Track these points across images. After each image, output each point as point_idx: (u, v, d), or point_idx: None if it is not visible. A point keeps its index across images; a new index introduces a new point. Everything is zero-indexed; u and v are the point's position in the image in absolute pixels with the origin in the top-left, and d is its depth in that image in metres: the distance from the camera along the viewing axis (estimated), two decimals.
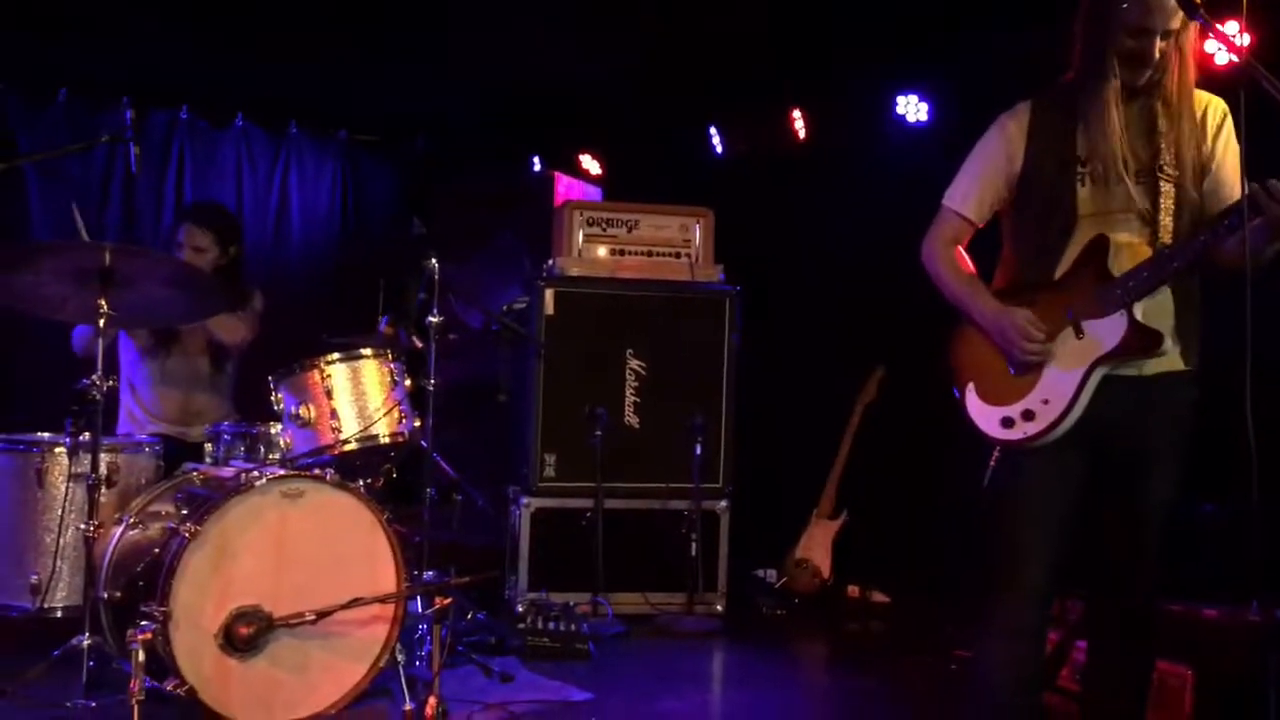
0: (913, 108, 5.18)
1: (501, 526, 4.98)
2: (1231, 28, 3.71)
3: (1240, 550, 3.53)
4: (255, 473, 3.33)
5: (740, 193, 5.68)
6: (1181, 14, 2.49)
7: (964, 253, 2.85)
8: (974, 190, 2.80)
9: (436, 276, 3.98)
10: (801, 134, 5.76)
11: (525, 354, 4.90)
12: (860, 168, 5.46)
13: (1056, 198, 2.64)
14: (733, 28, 5.47)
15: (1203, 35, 2.62)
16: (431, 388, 3.91)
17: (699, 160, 6.24)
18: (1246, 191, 2.40)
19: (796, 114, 5.76)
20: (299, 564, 3.24)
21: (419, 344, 3.90)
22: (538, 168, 6.91)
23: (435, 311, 3.97)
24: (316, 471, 3.41)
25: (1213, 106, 2.66)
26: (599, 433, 4.73)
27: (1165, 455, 2.67)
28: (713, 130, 6.21)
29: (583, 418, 4.77)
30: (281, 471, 3.37)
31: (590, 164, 6.77)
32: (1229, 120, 2.64)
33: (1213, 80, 2.72)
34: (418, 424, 3.84)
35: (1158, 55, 2.55)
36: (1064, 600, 3.75)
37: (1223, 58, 3.70)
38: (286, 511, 3.25)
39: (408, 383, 3.84)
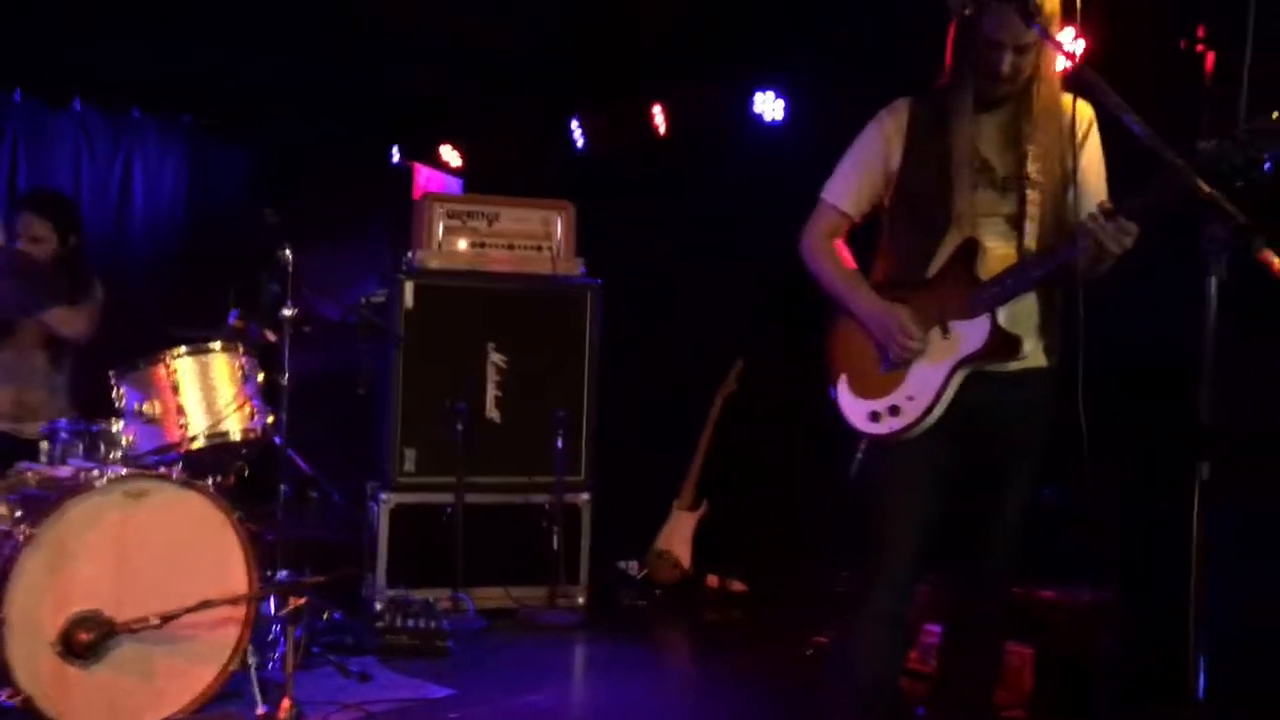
0: (770, 105, 5.27)
1: (360, 523, 4.88)
2: (1069, 33, 3.87)
3: (1077, 533, 3.70)
4: (95, 472, 3.18)
5: (602, 186, 5.69)
6: (1044, 27, 2.58)
7: (843, 246, 2.92)
8: (852, 185, 2.86)
9: (290, 267, 3.88)
10: (662, 129, 5.80)
11: (384, 347, 4.80)
12: (720, 162, 5.54)
13: (930, 199, 2.72)
14: (595, 21, 5.48)
15: (1042, 43, 2.72)
16: (285, 382, 3.80)
17: (560, 153, 6.23)
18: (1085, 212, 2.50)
19: (657, 109, 5.79)
20: (143, 566, 3.11)
21: (271, 337, 3.78)
22: (397, 158, 6.79)
23: (289, 304, 3.87)
24: (162, 470, 3.28)
25: (1080, 113, 2.71)
26: (460, 426, 4.67)
27: (1026, 448, 2.79)
28: (574, 123, 6.20)
29: (443, 412, 4.70)
30: (124, 470, 3.23)
31: (451, 155, 6.69)
32: (1094, 126, 2.74)
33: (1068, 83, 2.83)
34: (270, 420, 3.73)
35: (1008, 68, 2.63)
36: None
37: (1061, 63, 3.87)
38: (129, 512, 3.11)
39: (260, 377, 3.72)
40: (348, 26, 5.70)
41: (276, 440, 3.74)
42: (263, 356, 3.86)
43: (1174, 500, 2.34)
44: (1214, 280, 2.10)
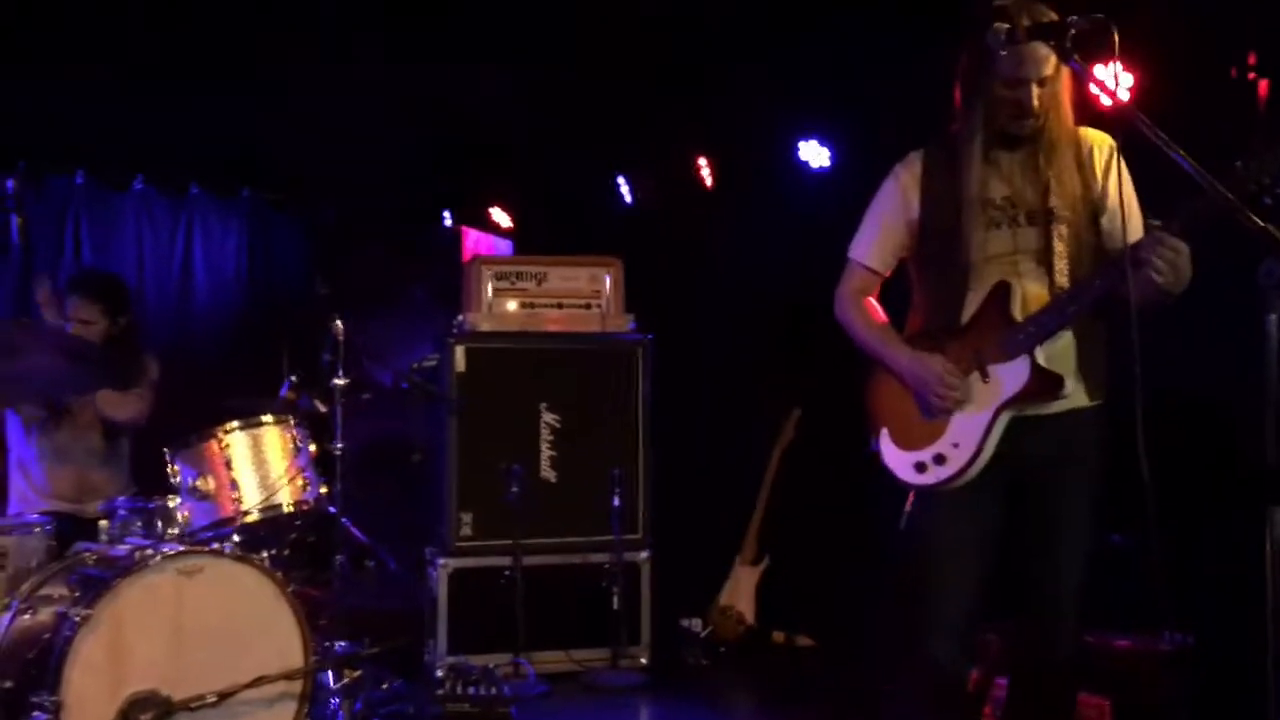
0: (814, 153, 5.25)
1: (419, 589, 4.87)
2: (1113, 69, 3.80)
3: (1151, 580, 3.57)
4: (149, 550, 3.21)
5: (650, 241, 5.70)
6: (1055, 60, 2.56)
7: (874, 302, 2.91)
8: (876, 241, 2.86)
9: (341, 337, 3.92)
10: (708, 180, 5.80)
11: (438, 412, 4.82)
12: (766, 212, 5.51)
13: (954, 244, 2.69)
14: (638, 75, 5.52)
15: (1085, 86, 2.68)
16: (339, 452, 3.82)
17: (608, 210, 6.26)
18: (1129, 239, 2.44)
19: (702, 161, 5.80)
20: (199, 643, 3.12)
21: (322, 408, 3.81)
22: (448, 222, 6.87)
23: (340, 373, 3.90)
24: (215, 545, 3.30)
25: (1098, 144, 2.72)
26: (515, 489, 4.65)
27: (1077, 490, 2.71)
28: (620, 179, 6.23)
29: (499, 474, 4.69)
30: (177, 548, 3.25)
31: (501, 217, 6.75)
32: (1117, 156, 2.68)
33: (1100, 121, 2.78)
34: (324, 490, 3.74)
35: (1036, 103, 2.61)
36: (983, 636, 3.76)
37: (1106, 99, 3.80)
38: (183, 588, 3.13)
39: (312, 448, 3.75)
40: (401, 95, 5.81)
41: (331, 510, 3.75)
42: (316, 427, 3.89)
43: (1246, 543, 2.25)
44: (1275, 316, 2.02)
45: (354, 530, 4.43)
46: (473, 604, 4.66)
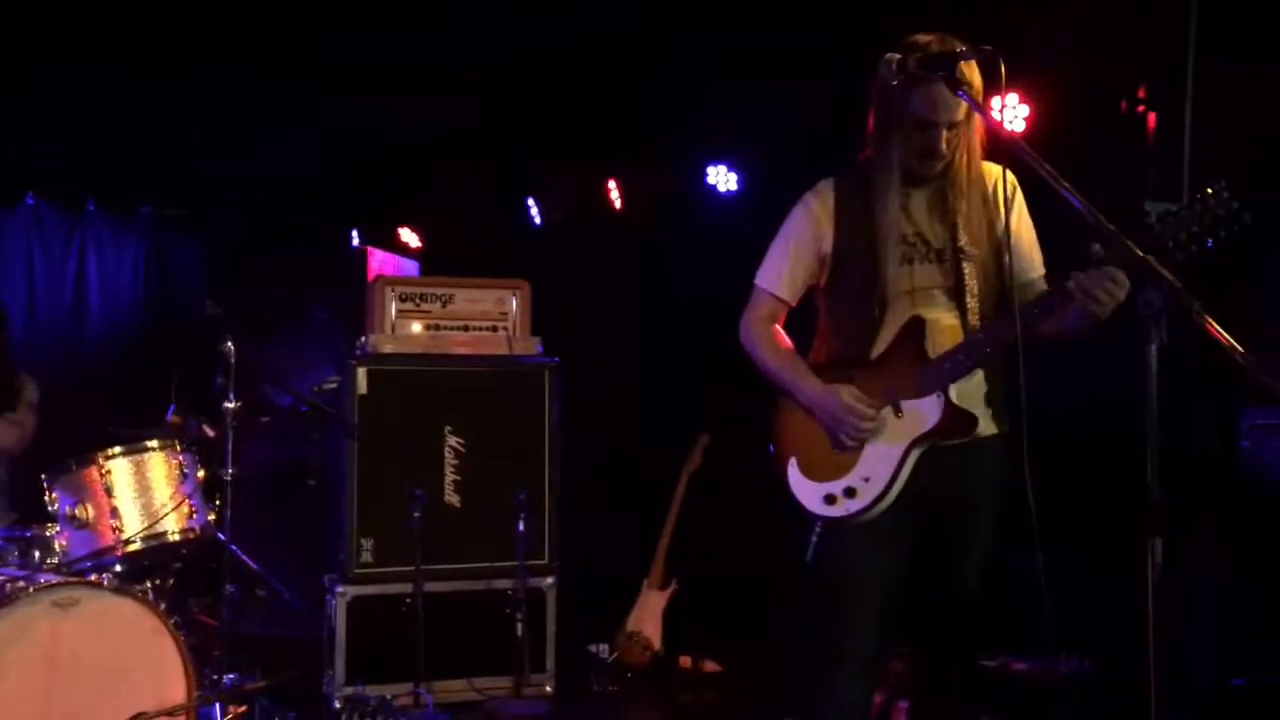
0: (723, 177, 5.26)
1: (317, 618, 4.73)
2: (1011, 100, 3.87)
3: (1050, 604, 3.61)
4: (21, 581, 3.06)
5: (559, 263, 5.66)
6: (966, 104, 2.57)
7: (781, 331, 2.88)
8: (785, 269, 2.82)
9: (233, 359, 3.81)
10: (617, 203, 5.79)
11: (339, 436, 4.71)
12: (675, 235, 5.52)
13: (868, 276, 2.69)
14: (550, 97, 5.49)
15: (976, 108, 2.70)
16: (229, 477, 3.70)
17: (517, 231, 6.21)
18: (1024, 278, 2.44)
19: (612, 184, 5.78)
20: (75, 680, 2.99)
21: (210, 433, 3.69)
22: (356, 241, 6.75)
23: (232, 396, 3.79)
24: (93, 576, 3.17)
25: (1001, 181, 2.73)
26: (417, 514, 4.54)
27: (984, 517, 2.73)
28: (530, 201, 6.19)
29: (401, 499, 4.58)
30: (52, 579, 3.11)
31: (410, 237, 6.66)
32: (1019, 193, 2.72)
33: (993, 153, 2.81)
34: (213, 517, 3.62)
35: (945, 146, 2.62)
36: (887, 661, 3.77)
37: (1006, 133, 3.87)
38: (58, 623, 3.00)
39: (201, 474, 3.62)
40: (308, 113, 5.70)
41: (220, 537, 3.63)
42: (207, 452, 3.76)
43: (1137, 568, 2.27)
44: (1154, 347, 2.04)
45: (244, 558, 4.29)
46: (372, 633, 4.54)
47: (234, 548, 3.73)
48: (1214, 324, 1.97)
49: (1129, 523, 2.39)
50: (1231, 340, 1.95)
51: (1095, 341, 2.73)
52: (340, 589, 4.56)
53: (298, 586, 4.81)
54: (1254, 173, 2.71)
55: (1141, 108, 3.72)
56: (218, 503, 3.69)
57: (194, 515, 3.49)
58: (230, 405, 3.69)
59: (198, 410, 3.79)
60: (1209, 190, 2.26)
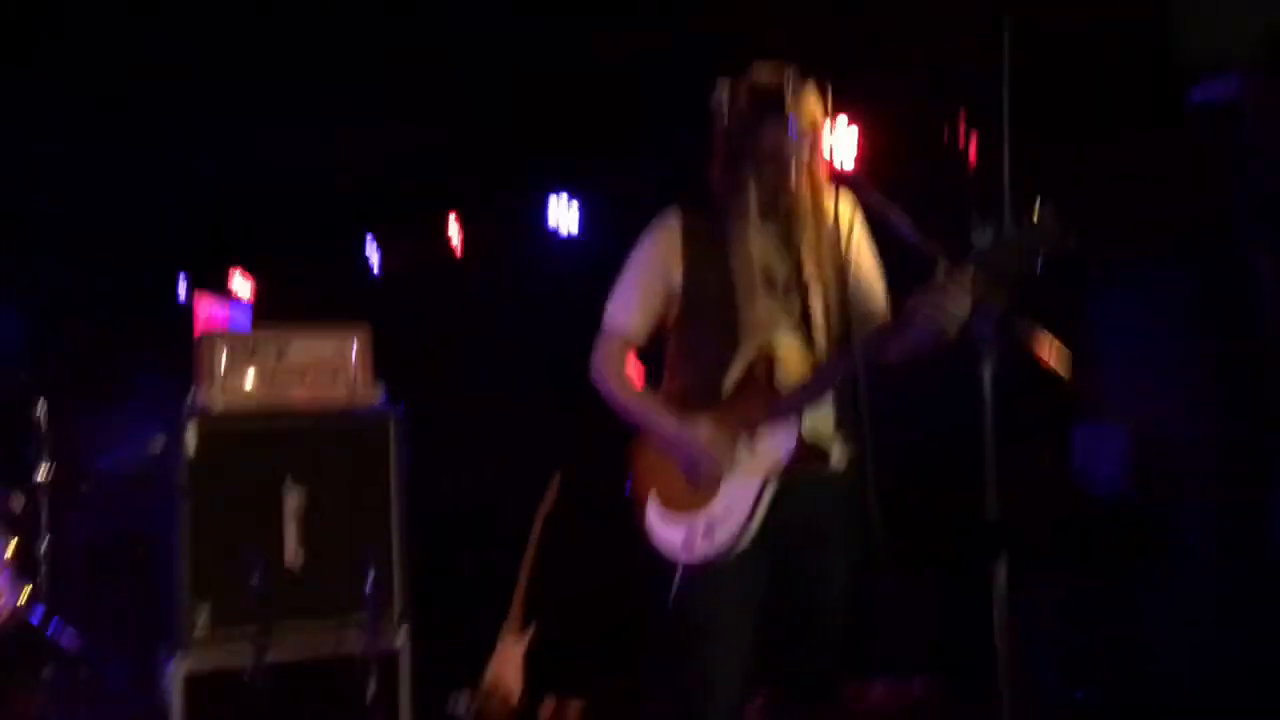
0: (565, 217, 5.23)
1: (152, 694, 4.43)
2: (840, 124, 3.93)
3: (902, 627, 3.65)
4: None
5: (401, 307, 5.52)
6: (811, 132, 2.57)
7: (633, 368, 2.84)
8: (634, 305, 2.79)
9: (44, 425, 3.54)
10: (458, 244, 5.69)
11: (169, 498, 4.44)
12: (519, 275, 5.46)
13: (721, 310, 2.67)
14: (386, 140, 5.38)
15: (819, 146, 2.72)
16: (43, 551, 3.43)
17: (356, 276, 6.04)
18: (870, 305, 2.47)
19: (453, 226, 5.68)
20: None
21: (16, 508, 3.42)
22: (183, 292, 6.46)
23: (45, 464, 3.52)
24: None
25: (842, 211, 2.75)
26: (257, 576, 4.31)
27: (837, 548, 2.74)
28: (369, 244, 6.03)
29: (238, 562, 4.34)
30: None
31: (241, 285, 6.40)
32: (859, 221, 2.75)
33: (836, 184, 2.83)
34: (26, 594, 3.35)
35: (792, 178, 2.63)
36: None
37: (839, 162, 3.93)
38: None
39: (10, 551, 3.35)
40: (136, 159, 5.44)
41: (33, 619, 3.35)
42: (17, 525, 3.49)
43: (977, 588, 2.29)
44: (988, 371, 2.05)
45: (63, 638, 3.99)
46: (211, 705, 4.27)
47: (51, 629, 3.45)
48: (1048, 342, 1.99)
49: (974, 543, 2.41)
50: (1066, 358, 1.98)
51: (940, 364, 2.78)
52: (175, 661, 4.28)
53: (127, 664, 4.50)
54: (1075, 195, 2.78)
55: (962, 136, 3.82)
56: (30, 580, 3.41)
57: (2, 596, 3.21)
58: (42, 475, 3.43)
59: (5, 480, 3.50)
60: (1035, 211, 2.30)
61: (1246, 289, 3.01)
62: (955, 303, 2.40)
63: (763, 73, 2.60)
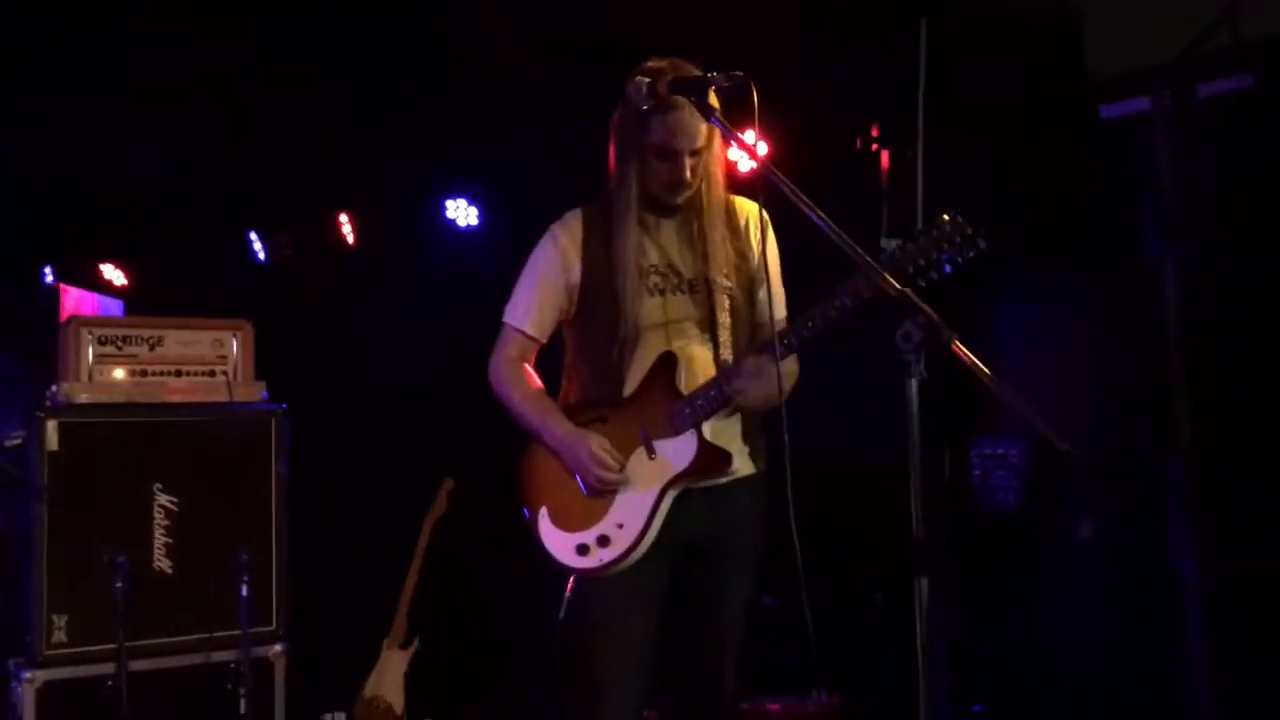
0: (462, 211, 5.08)
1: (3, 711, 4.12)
2: (749, 137, 3.86)
3: (801, 642, 3.60)
4: None
5: (287, 302, 5.28)
6: (707, 131, 2.52)
7: (531, 370, 2.75)
8: (534, 305, 2.70)
9: None
10: (350, 238, 5.48)
11: (25, 499, 4.14)
12: (414, 272, 5.28)
13: (618, 309, 2.58)
14: (276, 130, 5.15)
15: (725, 144, 2.67)
16: None
17: (239, 268, 5.77)
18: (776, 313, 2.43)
19: (344, 218, 5.47)
20: None
21: None
22: (49, 280, 6.09)
23: None
24: None
25: (752, 216, 2.71)
26: (121, 584, 4.03)
27: (743, 558, 2.67)
28: (253, 235, 5.77)
29: (101, 568, 4.06)
30: None
31: (114, 275, 6.07)
32: (769, 228, 2.68)
33: (738, 187, 2.78)
34: None
35: (688, 174, 2.56)
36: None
37: (745, 165, 3.86)
38: None
39: None
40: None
41: None
42: None
43: (897, 603, 2.24)
44: (914, 381, 1.99)
45: None
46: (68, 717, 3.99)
47: None
48: (967, 353, 1.94)
49: (896, 558, 2.36)
50: (985, 369, 1.93)
51: (857, 375, 2.72)
52: (27, 675, 3.97)
53: None
54: (983, 203, 2.76)
55: (875, 146, 3.81)
56: None
57: None
58: None
59: None
60: (944, 218, 2.30)
61: (1151, 304, 3.04)
62: (760, 386, 2.46)
63: (657, 67, 2.52)
